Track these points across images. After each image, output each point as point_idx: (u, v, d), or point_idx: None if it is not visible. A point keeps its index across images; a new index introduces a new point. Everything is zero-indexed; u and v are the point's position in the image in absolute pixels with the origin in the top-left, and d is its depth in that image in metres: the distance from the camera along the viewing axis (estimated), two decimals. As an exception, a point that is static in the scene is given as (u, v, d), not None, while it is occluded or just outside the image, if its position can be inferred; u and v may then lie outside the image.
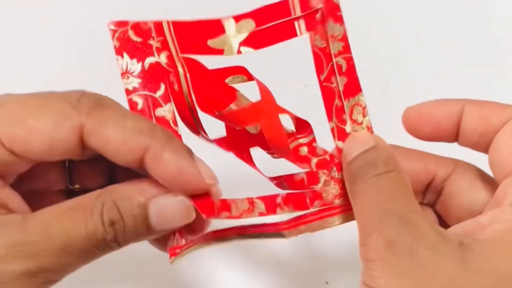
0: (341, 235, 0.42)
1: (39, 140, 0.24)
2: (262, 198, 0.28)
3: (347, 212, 0.28)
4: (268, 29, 0.29)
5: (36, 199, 0.27)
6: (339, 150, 0.29)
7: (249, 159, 0.30)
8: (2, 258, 0.23)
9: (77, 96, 0.25)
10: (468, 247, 0.23)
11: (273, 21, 0.29)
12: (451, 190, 0.29)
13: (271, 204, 0.28)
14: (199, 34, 0.29)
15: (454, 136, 0.29)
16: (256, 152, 0.31)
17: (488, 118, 0.27)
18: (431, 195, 0.30)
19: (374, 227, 0.24)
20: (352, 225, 0.43)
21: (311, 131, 0.31)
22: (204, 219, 0.26)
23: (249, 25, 0.29)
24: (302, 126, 0.31)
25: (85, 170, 0.29)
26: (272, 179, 0.30)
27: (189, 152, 0.25)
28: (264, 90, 0.29)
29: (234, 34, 0.29)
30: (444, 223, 0.31)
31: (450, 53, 0.50)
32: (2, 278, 0.23)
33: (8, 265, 0.23)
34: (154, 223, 0.25)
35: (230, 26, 0.29)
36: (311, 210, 0.28)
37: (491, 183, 0.28)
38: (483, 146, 0.28)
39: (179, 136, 0.27)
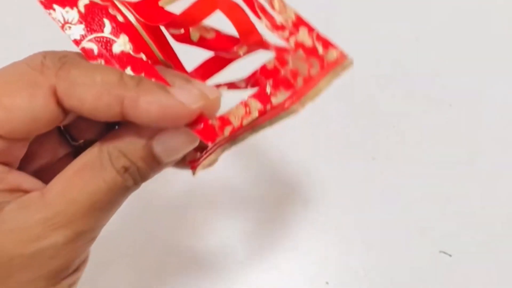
0: (341, 235, 0.43)
1: (20, 117, 0.24)
2: (254, 96, 0.27)
3: (329, 70, 0.27)
4: None
5: (48, 173, 0.27)
6: (286, 39, 0.28)
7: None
8: (40, 236, 0.24)
9: (39, 59, 0.24)
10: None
11: None
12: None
13: (264, 98, 0.27)
14: None
15: None
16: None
17: None
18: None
19: None
20: (351, 225, 0.43)
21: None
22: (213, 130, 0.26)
23: None
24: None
25: (81, 124, 0.29)
26: (247, 79, 0.30)
27: (162, 88, 0.24)
28: None
29: None
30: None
31: (449, 53, 0.50)
32: (48, 252, 0.24)
33: (48, 240, 0.24)
34: (163, 157, 0.25)
35: None
36: (299, 85, 0.27)
37: None
38: None
39: (146, 62, 0.26)
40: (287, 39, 0.28)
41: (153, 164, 0.25)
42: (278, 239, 0.42)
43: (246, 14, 0.28)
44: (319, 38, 0.27)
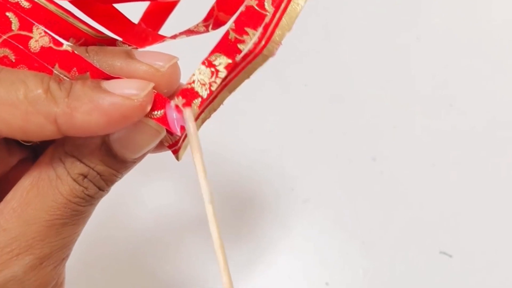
0: (341, 235, 0.43)
1: None
2: (216, 49, 0.22)
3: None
4: None
5: (6, 184, 0.24)
6: None
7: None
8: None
9: None
10: None
11: None
12: None
13: (229, 47, 0.22)
14: None
15: None
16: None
17: None
18: None
19: None
20: (351, 225, 0.43)
21: None
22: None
23: None
24: None
25: None
26: (204, 19, 0.25)
27: (97, 87, 0.20)
28: None
29: None
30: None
31: (450, 53, 0.50)
32: (10, 286, 0.21)
33: (6, 272, 0.21)
34: (126, 155, 0.22)
35: None
36: (268, 16, 0.22)
37: None
38: None
39: (72, 54, 0.21)
40: None
41: (116, 164, 0.22)
42: (278, 239, 0.42)
43: None
44: None
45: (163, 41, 0.25)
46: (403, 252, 0.41)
